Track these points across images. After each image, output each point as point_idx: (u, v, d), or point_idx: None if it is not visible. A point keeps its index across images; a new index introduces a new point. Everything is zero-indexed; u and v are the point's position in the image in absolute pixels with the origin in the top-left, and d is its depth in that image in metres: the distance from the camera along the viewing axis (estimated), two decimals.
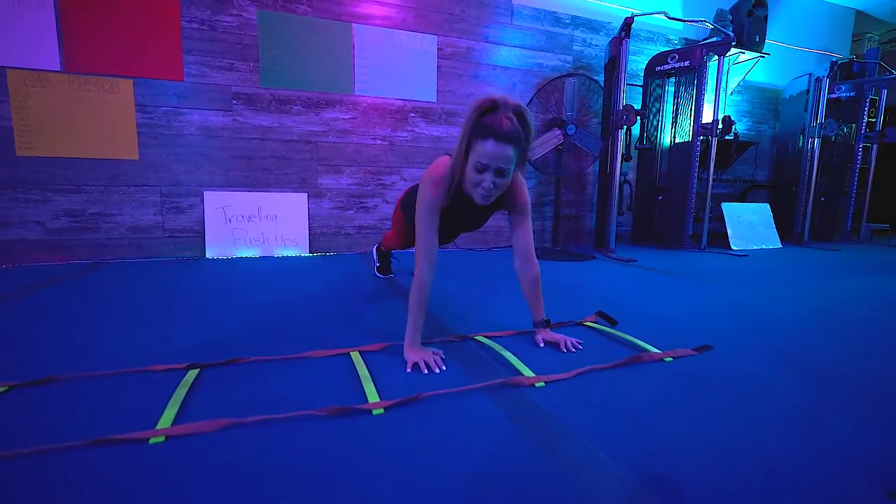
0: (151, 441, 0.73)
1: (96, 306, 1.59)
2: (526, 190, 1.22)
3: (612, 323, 1.40)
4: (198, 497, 0.60)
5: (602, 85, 3.20)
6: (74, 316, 1.47)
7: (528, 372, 1.01)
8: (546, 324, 1.25)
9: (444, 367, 1.04)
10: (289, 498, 0.60)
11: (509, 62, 3.31)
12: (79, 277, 2.13)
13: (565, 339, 1.19)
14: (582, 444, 0.74)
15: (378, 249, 2.16)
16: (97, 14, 2.49)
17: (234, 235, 2.79)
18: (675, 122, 3.45)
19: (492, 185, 1.04)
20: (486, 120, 1.00)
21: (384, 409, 0.84)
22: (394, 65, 3.02)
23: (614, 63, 3.13)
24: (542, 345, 1.21)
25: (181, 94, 2.66)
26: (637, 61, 3.64)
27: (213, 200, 2.75)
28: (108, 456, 0.69)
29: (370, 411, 0.83)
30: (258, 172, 2.84)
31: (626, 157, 3.18)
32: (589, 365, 1.06)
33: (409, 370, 1.03)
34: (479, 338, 1.26)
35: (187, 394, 0.89)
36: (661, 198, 3.51)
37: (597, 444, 0.73)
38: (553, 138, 2.88)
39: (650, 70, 3.45)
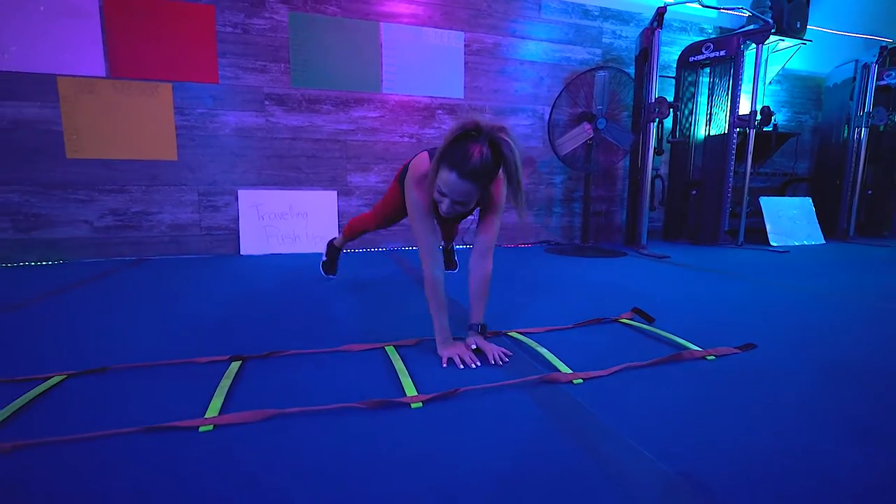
0: (201, 429, 0.75)
1: (141, 301, 1.66)
2: (502, 191, 1.12)
3: (649, 320, 1.37)
4: (244, 483, 0.62)
5: (633, 77, 3.12)
6: (121, 309, 1.54)
7: (564, 368, 1.00)
8: (482, 330, 1.14)
9: (478, 363, 1.04)
10: (332, 487, 0.61)
11: (537, 56, 3.27)
12: (123, 273, 2.23)
13: (493, 350, 1.07)
14: (625, 442, 0.72)
15: (330, 244, 1.99)
16: (139, 21, 2.59)
17: (266, 233, 2.87)
18: (709, 113, 3.33)
19: (449, 210, 1.05)
20: (458, 150, 0.95)
21: (422, 402, 0.84)
22: (421, 62, 3.03)
23: (646, 54, 3.04)
24: (473, 348, 1.10)
25: (216, 96, 2.74)
26: (669, 52, 3.53)
27: (247, 199, 2.83)
28: (161, 442, 0.72)
29: (409, 405, 0.83)
30: (289, 171, 2.90)
31: (658, 151, 3.09)
32: (627, 362, 1.04)
33: (444, 365, 1.03)
34: (513, 334, 1.25)
35: (231, 385, 0.92)
36: (694, 192, 3.39)
37: (640, 443, 0.72)
38: (582, 133, 2.82)
39: (683, 61, 3.34)
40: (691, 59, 3.27)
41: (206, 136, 2.76)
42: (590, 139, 2.85)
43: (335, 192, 2.98)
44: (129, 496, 0.59)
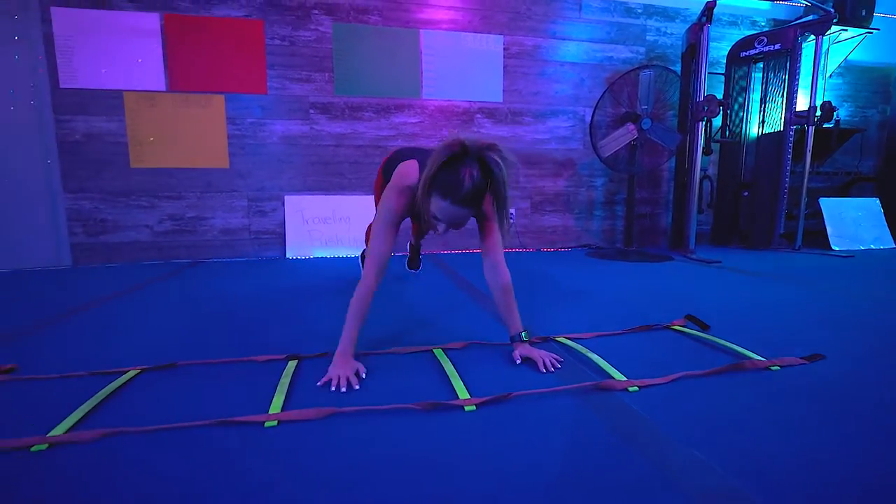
0: (266, 424, 0.79)
1: (199, 300, 1.76)
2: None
3: (704, 328, 1.31)
4: (307, 477, 0.65)
5: (679, 75, 3.01)
6: (183, 309, 1.64)
7: (618, 375, 0.97)
8: (526, 337, 1.10)
9: (356, 387, 0.93)
10: (391, 485, 0.63)
11: (577, 57, 3.22)
12: (181, 275, 2.37)
13: (543, 357, 1.04)
14: (688, 452, 0.70)
15: (363, 255, 2.01)
16: (194, 37, 2.75)
17: (310, 237, 2.96)
18: (762, 111, 3.16)
19: (445, 232, 1.03)
20: (448, 177, 0.92)
21: (476, 405, 0.84)
22: (460, 67, 3.05)
23: (693, 51, 2.93)
24: (518, 361, 1.06)
25: (265, 106, 2.87)
26: (718, 48, 3.39)
27: (293, 204, 2.94)
28: (231, 435, 0.76)
29: (462, 407, 0.84)
30: (333, 177, 2.99)
31: (707, 151, 2.96)
32: (684, 371, 1.00)
33: (319, 384, 0.95)
34: (561, 339, 1.23)
35: (290, 382, 0.96)
36: (746, 194, 3.23)
37: (707, 455, 0.69)
38: (626, 134, 2.75)
39: (734, 56, 3.19)
40: (742, 54, 3.12)
41: (255, 145, 2.89)
42: (634, 140, 2.78)
43: None
44: (204, 482, 0.63)
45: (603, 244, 3.42)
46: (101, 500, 0.60)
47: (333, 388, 0.93)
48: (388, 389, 0.94)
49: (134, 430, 0.77)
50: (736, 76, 3.21)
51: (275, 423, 0.79)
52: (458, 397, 0.88)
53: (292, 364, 1.05)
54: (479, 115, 3.12)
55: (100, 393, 0.91)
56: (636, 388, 0.92)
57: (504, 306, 1.11)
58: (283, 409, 0.84)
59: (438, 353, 1.12)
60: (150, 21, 2.70)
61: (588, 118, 3.25)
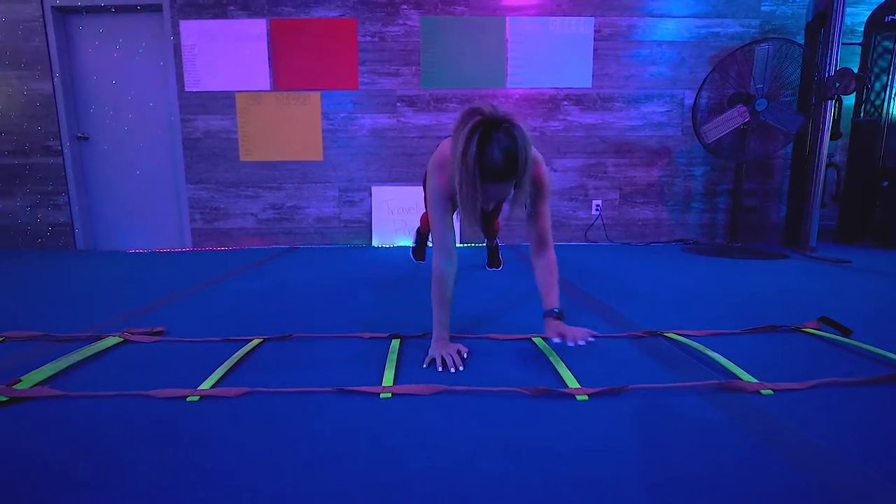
0: (381, 395, 0.82)
1: (300, 281, 1.90)
2: (544, 172, 1.04)
3: (845, 332, 1.14)
4: (428, 446, 0.66)
5: (804, 48, 2.65)
6: (289, 288, 1.78)
7: (746, 376, 0.88)
8: (559, 315, 1.02)
9: (461, 368, 0.94)
10: (506, 464, 0.62)
11: (677, 35, 2.96)
12: (282, 258, 2.58)
13: (576, 333, 0.95)
14: (854, 467, 0.61)
15: (417, 231, 2.21)
16: (295, 38, 2.96)
17: (395, 226, 3.07)
18: None
19: (486, 204, 0.95)
20: (484, 161, 0.85)
21: (588, 395, 0.81)
22: (547, 53, 2.96)
23: (821, 20, 2.55)
24: (556, 340, 0.96)
25: (356, 100, 3.01)
26: (854, 14, 2.92)
27: (380, 194, 3.06)
28: (348, 402, 0.81)
29: (573, 396, 0.81)
30: (417, 168, 3.06)
31: (836, 135, 2.57)
32: (824, 377, 0.88)
33: (425, 366, 0.96)
34: (671, 335, 1.14)
35: (397, 359, 1.00)
36: (886, 184, 2.76)
37: (874, 469, 0.60)
38: (735, 117, 2.48)
39: (875, 22, 2.73)
40: (889, 17, 2.66)
41: (346, 138, 3.04)
42: (744, 124, 2.50)
43: None
44: (332, 441, 0.67)
45: (701, 239, 3.14)
46: (246, 447, 0.67)
47: (440, 369, 0.95)
48: (492, 372, 0.94)
49: (267, 391, 0.84)
50: (878, 46, 2.75)
51: (389, 395, 0.82)
52: (567, 386, 0.85)
53: (396, 342, 1.09)
54: (565, 103, 3.01)
55: (233, 356, 1.01)
56: (770, 392, 0.83)
57: (546, 283, 1.07)
58: (395, 383, 0.87)
59: (538, 341, 1.10)
60: (258, 27, 2.95)
61: (688, 101, 2.99)
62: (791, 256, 2.47)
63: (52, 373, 0.93)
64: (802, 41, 2.79)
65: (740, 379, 0.87)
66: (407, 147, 3.05)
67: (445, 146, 1.04)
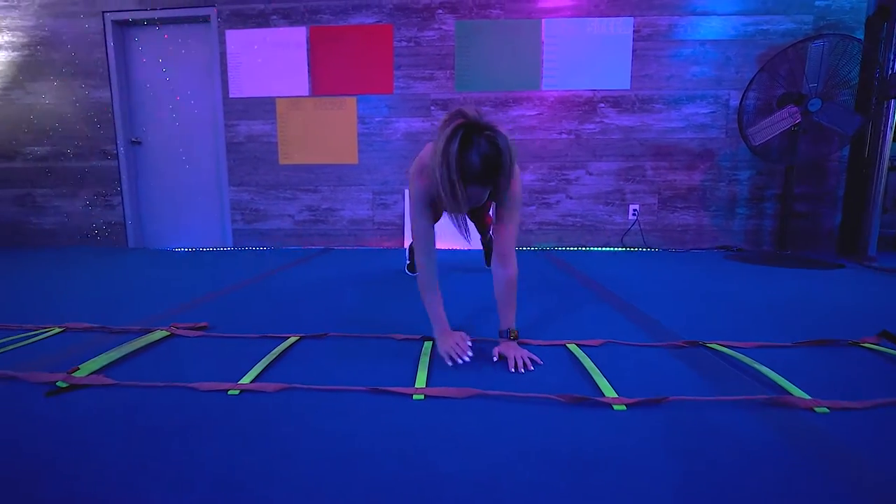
0: (414, 397, 0.83)
1: (335, 281, 1.94)
2: (518, 182, 1.03)
3: None
4: (461, 450, 0.66)
5: (863, 44, 2.48)
6: (323, 287, 1.82)
7: (799, 392, 0.83)
8: (511, 336, 1.04)
9: (469, 357, 0.99)
10: (540, 471, 0.60)
11: (722, 34, 2.84)
12: (317, 259, 2.64)
13: (517, 356, 0.98)
14: None
15: (411, 246, 2.15)
16: (333, 45, 3.04)
17: None
18: None
19: (465, 211, 0.98)
20: (464, 162, 0.85)
21: (626, 405, 0.78)
22: (583, 55, 2.91)
23: (885, 13, 2.39)
24: (495, 359, 1.01)
25: (391, 105, 3.06)
26: None
27: None
28: (381, 402, 0.81)
29: (611, 405, 0.79)
30: None
31: None
32: (889, 397, 0.81)
33: (449, 363, 0.99)
34: (714, 345, 1.09)
35: (429, 361, 1.00)
36: None
37: None
38: (785, 118, 2.35)
39: None
40: None
41: (381, 142, 3.10)
42: (795, 125, 2.37)
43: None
44: (366, 440, 0.68)
45: (745, 246, 2.99)
46: (284, 440, 0.68)
47: (450, 363, 0.99)
48: (526, 378, 0.92)
49: (303, 387, 0.86)
50: None
51: (422, 397, 0.83)
52: (603, 395, 0.83)
53: (428, 344, 1.10)
54: (602, 105, 2.94)
55: (271, 353, 1.04)
56: (825, 410, 0.77)
57: (502, 300, 1.07)
58: (427, 385, 0.87)
59: (573, 348, 1.08)
60: (299, 34, 3.05)
61: (733, 102, 2.86)
62: (847, 266, 2.32)
63: (106, 362, 0.99)
64: (861, 37, 2.61)
65: (791, 395, 0.82)
66: None
67: (427, 151, 1.06)
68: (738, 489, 0.57)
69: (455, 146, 0.84)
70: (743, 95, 2.58)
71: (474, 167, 0.86)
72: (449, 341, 1.03)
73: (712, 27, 2.84)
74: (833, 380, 0.91)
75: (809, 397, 0.81)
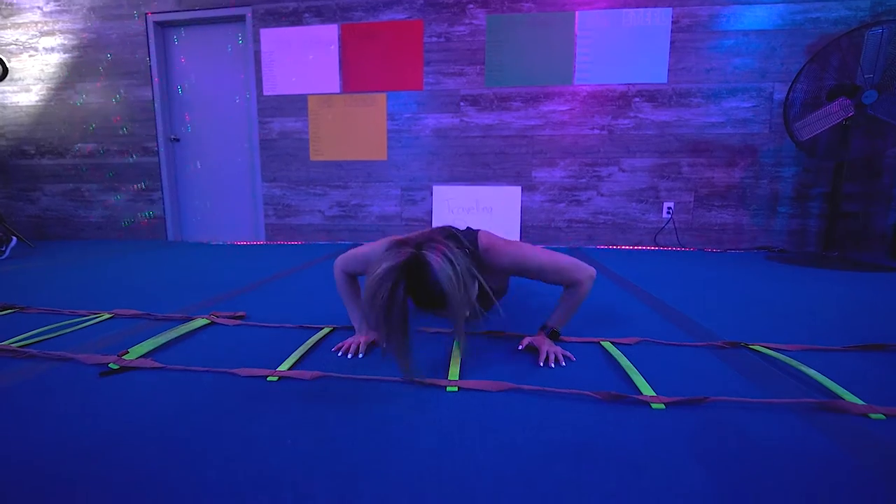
0: (448, 389, 0.83)
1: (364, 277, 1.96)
2: (504, 255, 0.98)
3: None
4: (489, 443, 0.65)
5: None
6: None
7: (851, 397, 0.78)
8: (553, 335, 1.04)
9: (361, 355, 1.00)
10: (574, 468, 0.60)
11: (767, 23, 2.71)
12: None
13: (550, 350, 0.97)
14: None
15: None
16: (365, 42, 3.07)
17: (455, 225, 3.08)
18: None
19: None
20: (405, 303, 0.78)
21: (664, 404, 0.76)
22: (618, 48, 2.83)
23: None
24: (521, 347, 1.03)
25: (420, 101, 3.07)
26: None
27: (440, 194, 3.10)
28: (415, 392, 0.82)
29: (649, 404, 0.77)
30: (479, 167, 3.06)
31: None
32: None
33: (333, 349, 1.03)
34: (757, 347, 1.05)
35: (461, 355, 1.00)
36: None
37: None
38: (836, 111, 2.22)
39: None
40: None
41: (410, 138, 3.11)
42: (846, 119, 2.23)
43: (519, 188, 3.03)
44: (403, 429, 0.69)
45: (788, 247, 2.85)
46: (321, 426, 0.70)
47: (340, 354, 1.01)
48: (560, 374, 0.91)
49: (338, 376, 0.88)
50: None
51: (455, 389, 0.83)
52: (640, 393, 0.81)
53: None
54: (637, 99, 2.86)
55: (307, 342, 1.07)
56: (881, 416, 0.73)
57: (561, 301, 1.03)
58: (461, 377, 0.87)
59: (608, 345, 1.06)
60: (331, 32, 3.09)
61: (778, 96, 2.73)
62: None
63: (152, 347, 1.03)
64: None
65: (843, 399, 0.78)
66: (469, 147, 3.06)
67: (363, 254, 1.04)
68: (789, 495, 0.55)
69: (385, 293, 0.75)
70: (790, 88, 2.45)
71: (419, 306, 0.80)
72: (357, 337, 1.05)
73: (757, 16, 2.72)
74: (889, 385, 0.86)
75: (863, 403, 0.77)
